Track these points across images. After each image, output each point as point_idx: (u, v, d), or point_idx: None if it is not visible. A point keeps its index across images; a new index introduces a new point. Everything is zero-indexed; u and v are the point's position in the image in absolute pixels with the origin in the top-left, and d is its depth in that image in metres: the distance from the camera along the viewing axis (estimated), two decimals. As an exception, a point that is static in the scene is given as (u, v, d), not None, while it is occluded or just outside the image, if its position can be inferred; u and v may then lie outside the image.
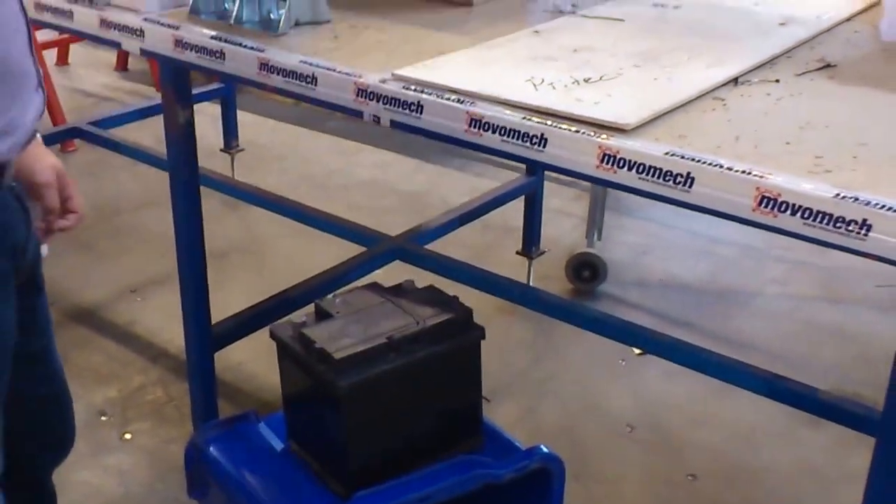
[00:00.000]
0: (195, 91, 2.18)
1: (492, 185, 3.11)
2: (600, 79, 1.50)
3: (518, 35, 1.73)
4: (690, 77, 1.51)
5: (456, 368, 1.24)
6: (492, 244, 3.22)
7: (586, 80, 1.49)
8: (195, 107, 2.00)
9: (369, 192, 3.69)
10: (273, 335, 1.29)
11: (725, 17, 1.86)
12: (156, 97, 3.67)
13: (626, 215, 3.45)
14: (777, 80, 1.53)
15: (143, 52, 1.85)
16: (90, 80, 4.87)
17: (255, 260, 3.19)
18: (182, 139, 1.99)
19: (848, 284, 3.05)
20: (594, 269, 2.98)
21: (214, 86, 3.57)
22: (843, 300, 3.00)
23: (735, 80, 1.52)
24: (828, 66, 1.59)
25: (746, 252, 3.25)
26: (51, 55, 4.85)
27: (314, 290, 2.32)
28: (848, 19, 1.85)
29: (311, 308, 1.41)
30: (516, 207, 3.06)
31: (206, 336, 2.13)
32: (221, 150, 3.70)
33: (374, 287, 1.49)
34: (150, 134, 3.55)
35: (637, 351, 2.66)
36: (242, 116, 3.92)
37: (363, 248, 2.66)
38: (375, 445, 1.24)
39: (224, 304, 2.24)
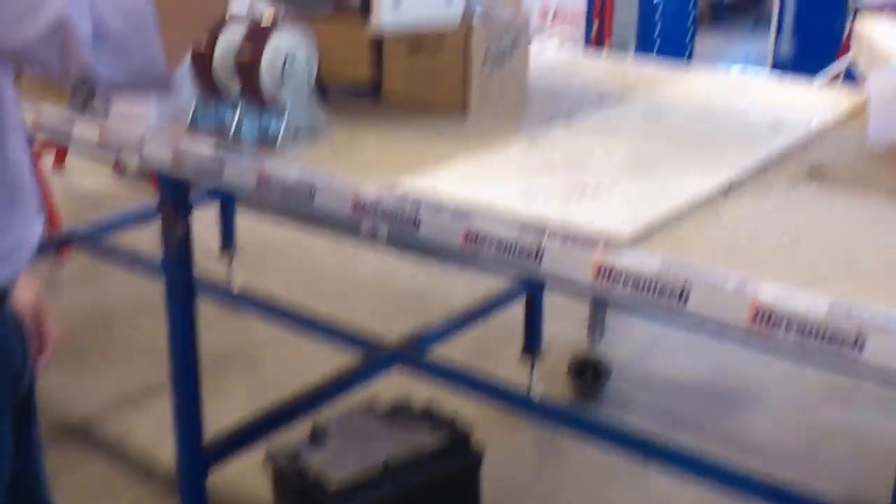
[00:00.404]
0: (194, 194, 2.20)
1: (494, 282, 3.12)
2: (595, 189, 1.52)
3: (514, 144, 1.76)
4: (684, 186, 1.53)
5: (455, 492, 1.21)
6: (493, 345, 3.22)
7: (581, 191, 1.50)
8: (195, 207, 2.01)
9: (369, 292, 3.70)
10: (269, 461, 1.26)
11: (717, 123, 1.89)
12: (153, 200, 3.70)
13: (629, 314, 3.45)
14: (769, 189, 1.54)
15: (141, 166, 1.87)
16: (87, 182, 4.90)
17: (252, 366, 3.18)
18: (178, 251, 2.00)
19: (853, 384, 3.02)
20: (597, 370, 2.96)
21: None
22: (850, 399, 2.97)
23: (728, 188, 1.54)
24: (819, 172, 1.61)
25: (751, 350, 3.23)
26: (48, 157, 4.89)
27: (311, 401, 2.30)
28: (836, 123, 1.88)
29: (307, 425, 1.39)
30: (517, 308, 3.06)
31: (198, 456, 2.10)
32: (219, 251, 3.72)
33: (372, 406, 1.46)
34: (147, 236, 3.56)
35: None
36: (241, 214, 3.95)
37: (362, 353, 2.65)
38: None
39: (219, 413, 2.22)
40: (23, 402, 1.31)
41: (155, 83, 1.03)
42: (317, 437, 1.22)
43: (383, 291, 3.70)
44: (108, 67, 0.98)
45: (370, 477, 1.10)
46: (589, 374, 2.96)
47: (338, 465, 1.16)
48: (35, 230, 1.24)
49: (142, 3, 0.98)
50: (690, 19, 6.00)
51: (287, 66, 1.75)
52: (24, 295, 1.35)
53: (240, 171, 1.70)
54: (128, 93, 1.06)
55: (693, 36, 6.08)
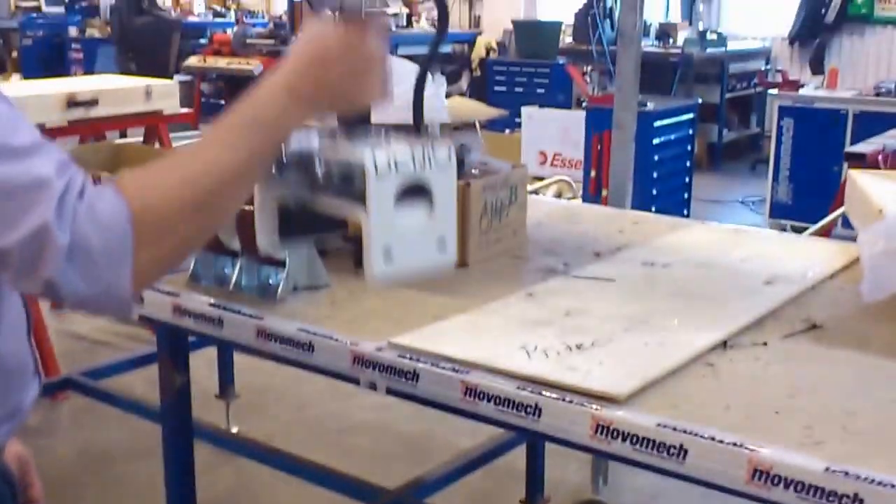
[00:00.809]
0: (192, 339, 2.21)
1: (494, 428, 3.10)
2: (592, 344, 1.54)
3: (512, 297, 1.78)
4: (680, 341, 1.55)
5: None
6: (495, 491, 3.18)
7: (578, 347, 1.52)
8: (194, 351, 2.03)
9: (369, 435, 3.67)
10: None
11: (713, 276, 1.92)
12: (151, 341, 3.71)
13: (630, 458, 3.41)
14: (765, 343, 1.56)
15: (142, 318, 1.89)
16: (85, 323, 4.88)
17: (252, 511, 3.14)
18: (176, 402, 2.01)
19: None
20: (600, 517, 2.92)
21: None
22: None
23: (724, 344, 1.56)
24: (814, 326, 1.63)
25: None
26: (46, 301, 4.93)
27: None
28: (831, 277, 1.91)
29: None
30: (520, 450, 3.03)
31: None
32: (216, 396, 3.70)
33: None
34: (145, 378, 3.56)
35: None
36: (240, 357, 3.95)
37: (361, 501, 2.62)
38: None
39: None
40: None
41: (115, 305, 1.04)
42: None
43: (383, 433, 3.68)
44: (74, 283, 1.00)
45: None
46: (592, 522, 2.92)
47: None
48: (31, 394, 1.26)
49: (122, 225, 1.01)
50: (687, 164, 6.15)
51: (286, 220, 1.78)
52: (12, 447, 1.35)
53: (239, 325, 1.72)
54: (86, 310, 1.06)
55: (691, 180, 6.22)
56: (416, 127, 1.22)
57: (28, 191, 0.98)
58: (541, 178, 5.40)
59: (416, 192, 1.08)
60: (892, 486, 1.11)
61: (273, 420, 3.69)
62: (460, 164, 2.04)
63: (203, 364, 3.61)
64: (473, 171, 2.01)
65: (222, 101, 8.32)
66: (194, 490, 2.05)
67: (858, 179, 2.11)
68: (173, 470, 2.04)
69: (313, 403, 3.94)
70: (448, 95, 2.26)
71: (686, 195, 6.21)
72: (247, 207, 1.79)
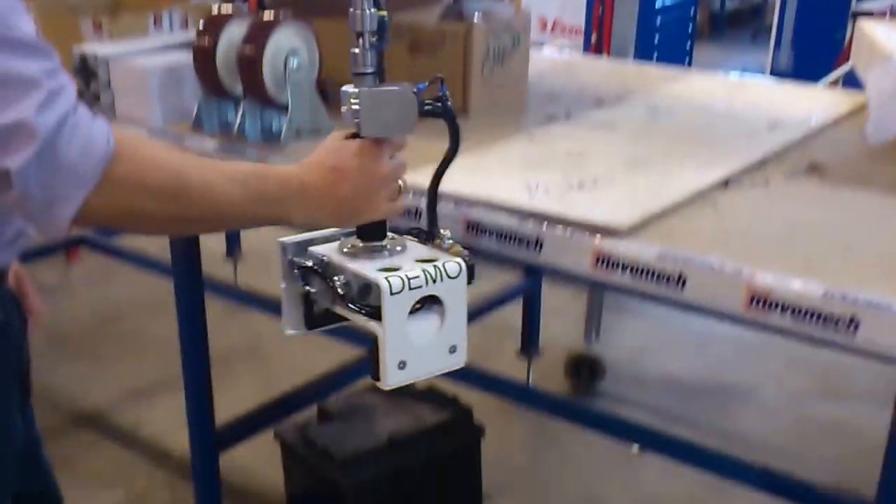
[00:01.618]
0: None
1: (490, 285, 3.15)
2: (594, 182, 1.55)
3: (513, 140, 1.79)
4: (682, 179, 1.56)
5: (456, 467, 1.24)
6: (491, 345, 3.24)
7: (580, 184, 1.53)
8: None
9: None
10: (277, 437, 1.29)
11: (716, 121, 1.92)
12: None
13: (624, 313, 3.48)
14: (766, 182, 1.57)
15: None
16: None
17: (259, 363, 3.21)
18: (186, 250, 2.03)
19: (844, 378, 3.06)
20: (593, 368, 2.99)
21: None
22: (840, 394, 3.01)
23: (726, 183, 1.57)
24: (816, 168, 1.64)
25: (743, 347, 3.27)
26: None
27: (317, 391, 2.33)
28: (834, 122, 1.91)
29: (314, 409, 1.42)
30: (515, 307, 3.09)
31: (210, 438, 2.14)
32: (224, 256, 3.75)
33: (376, 389, 1.49)
34: (156, 238, 3.59)
35: (636, 448, 2.66)
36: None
37: (366, 347, 2.67)
38: None
39: (228, 405, 2.25)
40: (24, 378, 1.33)
41: (50, 222, 1.02)
42: (323, 415, 1.25)
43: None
44: (29, 183, 0.98)
45: (375, 450, 1.12)
46: (585, 372, 2.99)
47: (344, 439, 1.18)
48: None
49: (103, 153, 1.00)
50: (689, 31, 6.05)
51: (289, 63, 1.77)
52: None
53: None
54: (20, 212, 1.04)
55: (692, 47, 6.13)
56: (431, 235, 1.26)
57: (15, 87, 0.96)
58: (542, 45, 5.32)
59: (429, 304, 1.14)
60: (889, 307, 1.13)
61: (276, 279, 3.71)
62: (460, 14, 2.02)
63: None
64: (475, 16, 1.99)
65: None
66: (207, 342, 2.09)
67: (867, 28, 2.09)
68: (186, 322, 2.07)
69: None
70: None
71: (687, 62, 6.13)
72: (248, 50, 1.79)
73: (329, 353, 2.82)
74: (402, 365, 1.13)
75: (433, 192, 1.27)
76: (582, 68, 2.43)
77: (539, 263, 1.41)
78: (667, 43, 5.84)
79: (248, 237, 3.84)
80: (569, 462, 2.66)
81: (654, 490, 2.54)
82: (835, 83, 4.01)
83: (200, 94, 1.88)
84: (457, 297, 1.16)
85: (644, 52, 5.39)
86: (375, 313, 1.12)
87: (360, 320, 1.15)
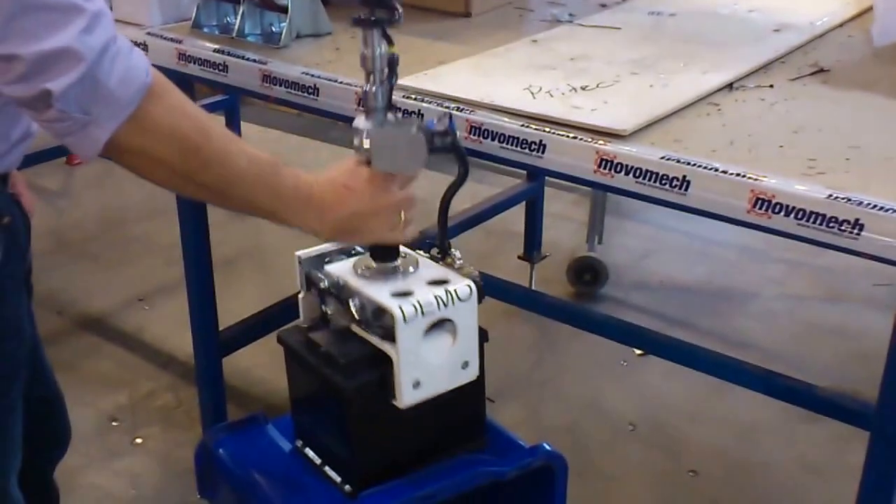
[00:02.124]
0: (198, 104, 2.22)
1: (493, 190, 3.15)
2: (597, 86, 1.54)
3: (516, 44, 1.77)
4: (686, 83, 1.55)
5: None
6: (494, 249, 3.25)
7: (583, 88, 1.52)
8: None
9: (371, 198, 3.72)
10: (280, 340, 1.31)
11: (720, 25, 1.90)
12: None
13: (626, 219, 3.48)
14: (771, 86, 1.56)
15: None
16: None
17: (262, 267, 3.23)
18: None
19: (846, 283, 3.08)
20: (595, 273, 3.01)
21: (218, 97, 3.60)
22: (841, 299, 3.03)
23: (730, 86, 1.56)
24: (821, 70, 1.63)
25: (744, 253, 3.29)
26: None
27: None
28: (841, 25, 1.88)
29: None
30: (517, 213, 3.09)
31: (213, 342, 2.17)
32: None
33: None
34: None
35: (637, 351, 2.69)
36: (246, 128, 3.95)
37: (366, 254, 2.69)
38: (382, 445, 1.26)
39: (231, 310, 2.27)
40: (27, 279, 1.35)
41: (85, 143, 1.04)
42: (326, 319, 1.27)
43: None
44: (70, 104, 1.00)
45: (378, 355, 1.14)
46: (586, 276, 3.01)
47: (346, 344, 1.20)
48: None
49: (141, 83, 1.03)
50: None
51: (290, -37, 1.74)
52: None
53: (244, 70, 1.71)
54: (56, 132, 1.05)
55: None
56: (443, 253, 1.32)
57: (58, 11, 0.98)
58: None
59: (440, 325, 1.19)
60: (893, 210, 1.13)
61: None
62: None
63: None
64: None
65: None
66: (209, 246, 2.10)
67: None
68: (188, 227, 2.08)
69: (317, 171, 3.96)
70: None
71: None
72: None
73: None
74: (416, 384, 1.18)
75: (444, 211, 1.34)
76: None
77: (541, 167, 1.41)
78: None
79: (249, 140, 3.82)
80: (571, 365, 2.70)
81: (655, 391, 2.58)
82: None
83: (200, -5, 1.85)
84: (468, 318, 1.21)
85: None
86: (390, 335, 1.17)
87: (376, 342, 1.20)
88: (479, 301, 1.23)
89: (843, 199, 1.16)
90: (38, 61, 0.97)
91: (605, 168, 1.34)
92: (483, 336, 1.26)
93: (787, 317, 2.95)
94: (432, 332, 1.19)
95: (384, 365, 1.19)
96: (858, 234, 1.15)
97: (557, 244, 3.24)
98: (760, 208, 1.21)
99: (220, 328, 2.18)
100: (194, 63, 1.79)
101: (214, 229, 2.11)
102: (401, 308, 1.15)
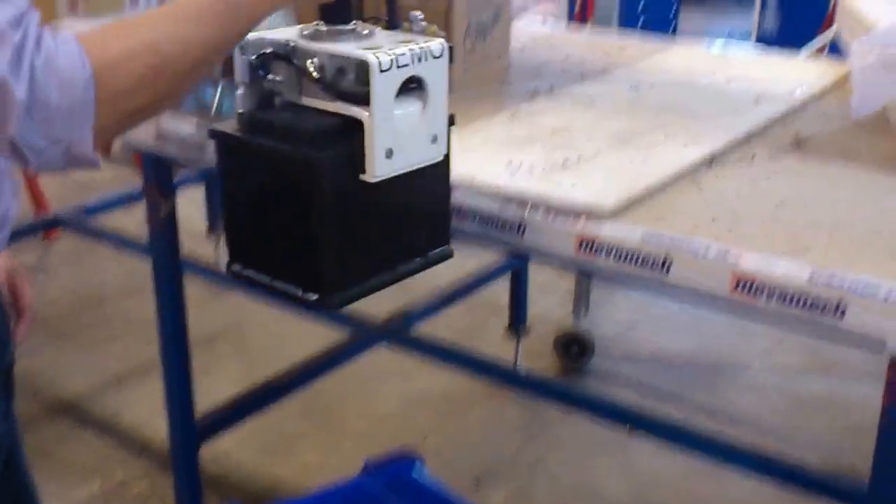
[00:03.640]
0: (179, 176, 2.20)
1: (477, 260, 3.13)
2: (578, 160, 1.51)
3: (496, 118, 1.75)
4: (666, 157, 1.53)
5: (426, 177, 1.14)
6: (479, 323, 3.22)
7: (564, 163, 1.50)
8: (180, 189, 2.01)
9: (356, 271, 3.69)
10: (213, 134, 1.10)
11: (700, 96, 1.89)
12: (139, 182, 3.69)
13: (613, 289, 3.46)
14: (752, 158, 1.54)
15: (125, 146, 1.86)
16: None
17: (241, 345, 3.18)
18: (164, 231, 1.99)
19: (836, 354, 3.05)
20: (582, 346, 2.97)
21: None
22: (832, 370, 2.99)
23: (711, 160, 1.54)
24: (802, 143, 1.61)
25: (733, 324, 3.25)
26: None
27: (300, 377, 2.31)
28: (819, 94, 1.88)
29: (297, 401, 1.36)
30: (503, 284, 3.06)
31: (190, 429, 2.11)
32: (206, 232, 3.71)
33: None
34: (134, 219, 3.55)
35: (628, 429, 2.64)
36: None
37: (350, 331, 2.65)
38: (351, 239, 1.11)
39: (210, 391, 2.22)
40: (6, 374, 1.30)
41: (80, 162, 0.99)
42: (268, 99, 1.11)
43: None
44: (35, 141, 0.94)
45: (339, 127, 1.01)
46: (574, 348, 2.97)
47: (301, 121, 1.05)
48: (14, 208, 1.23)
49: (84, 79, 0.95)
50: (674, -5, 6.01)
51: (267, 42, 1.73)
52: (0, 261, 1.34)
53: (221, 147, 1.69)
54: (53, 168, 1.00)
55: (677, 12, 6.09)
56: (392, 23, 1.15)
57: None
58: (525, 6, 5.27)
59: (410, 89, 1.06)
60: (876, 291, 1.10)
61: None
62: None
63: (190, 204, 3.61)
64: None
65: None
66: (185, 323, 2.06)
67: (851, -3, 2.05)
68: (164, 303, 2.04)
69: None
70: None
71: (672, 27, 6.09)
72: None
73: (314, 337, 2.80)
74: (388, 153, 1.06)
75: None
76: (564, 40, 2.39)
77: (522, 247, 1.38)
78: (652, 8, 5.80)
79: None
80: (560, 445, 2.65)
81: (647, 472, 2.52)
82: (821, 49, 3.98)
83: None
84: (439, 80, 1.09)
85: (629, 17, 5.36)
86: (358, 97, 1.03)
87: (340, 108, 1.06)
88: (450, 62, 1.10)
89: (826, 279, 1.13)
90: None
91: (586, 248, 1.31)
92: (451, 119, 1.13)
93: (778, 389, 2.91)
94: (401, 98, 1.06)
95: (352, 134, 1.05)
96: (842, 316, 1.12)
97: (544, 316, 3.21)
98: (743, 289, 1.19)
99: (198, 413, 2.12)
100: (173, 143, 1.77)
101: (193, 307, 2.07)
102: (376, 56, 1.01)
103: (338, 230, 1.09)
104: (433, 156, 1.12)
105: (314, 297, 1.10)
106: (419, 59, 1.05)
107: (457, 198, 1.41)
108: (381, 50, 1.03)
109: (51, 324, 3.32)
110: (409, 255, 1.19)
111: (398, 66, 1.03)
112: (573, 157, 1.52)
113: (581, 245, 1.31)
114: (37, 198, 3.89)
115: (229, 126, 1.12)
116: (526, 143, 1.60)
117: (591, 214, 1.32)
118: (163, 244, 2.01)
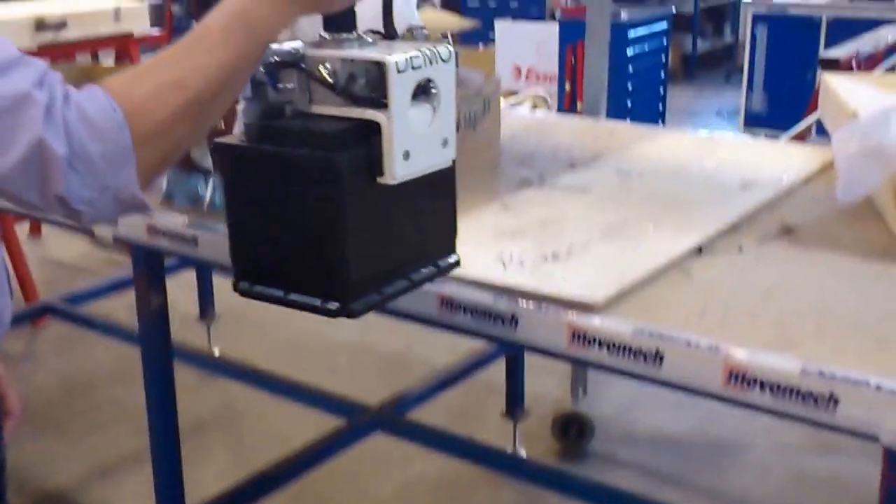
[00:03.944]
0: (171, 260, 2.20)
1: (474, 341, 3.12)
2: (568, 253, 1.53)
3: (487, 209, 1.77)
4: (656, 247, 1.54)
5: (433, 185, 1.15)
6: (475, 406, 3.20)
7: (555, 255, 1.52)
8: (172, 274, 2.01)
9: (349, 354, 3.68)
10: (217, 148, 1.12)
11: (688, 183, 1.91)
12: (129, 267, 3.69)
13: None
14: (740, 248, 1.56)
15: (116, 240, 1.87)
16: (63, 250, 4.83)
17: (233, 432, 3.15)
18: (155, 322, 1.99)
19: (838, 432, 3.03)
20: (581, 427, 2.95)
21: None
22: (834, 448, 2.97)
23: (699, 249, 1.55)
24: (789, 230, 1.63)
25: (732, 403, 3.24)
26: (23, 227, 4.82)
27: (293, 467, 2.29)
28: (806, 180, 1.90)
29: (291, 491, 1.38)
30: (499, 365, 3.06)
31: (181, 524, 2.09)
32: (198, 319, 3.70)
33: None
34: (124, 304, 3.54)
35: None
36: (219, 278, 3.93)
37: (344, 418, 2.64)
38: (369, 245, 1.11)
39: (202, 480, 2.21)
40: None
41: (128, 207, 1.04)
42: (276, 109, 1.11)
43: (364, 353, 3.69)
44: (82, 193, 0.98)
45: (355, 129, 1.02)
46: (572, 431, 2.95)
47: (318, 125, 1.05)
48: (6, 313, 1.24)
49: (118, 124, 0.99)
50: (661, 76, 6.10)
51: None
52: None
53: (214, 243, 1.70)
54: (106, 217, 1.06)
55: (665, 92, 6.18)
56: (388, 34, 1.17)
57: (11, 110, 0.95)
58: (515, 93, 5.35)
59: (421, 93, 1.09)
60: (867, 384, 1.11)
61: (255, 341, 3.69)
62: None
63: (182, 287, 3.61)
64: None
65: (193, 21, 8.15)
66: (175, 412, 2.05)
67: (832, 83, 2.09)
68: (154, 392, 2.03)
69: (294, 323, 3.92)
70: (419, 7, 2.21)
71: (661, 106, 6.18)
72: (220, 125, 1.77)
73: (307, 424, 2.79)
74: (406, 155, 1.07)
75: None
76: (554, 127, 2.43)
77: (515, 340, 1.39)
78: (641, 88, 5.90)
79: (222, 298, 3.79)
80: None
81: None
82: (807, 130, 4.04)
83: (170, 168, 1.85)
84: (448, 84, 1.11)
85: (618, 99, 5.44)
86: (374, 101, 1.05)
87: (355, 112, 1.07)
88: (457, 66, 1.13)
89: (816, 372, 1.14)
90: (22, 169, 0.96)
91: (578, 341, 1.32)
92: (457, 125, 1.16)
93: (781, 468, 2.89)
94: (414, 100, 1.07)
95: (369, 137, 1.06)
96: (835, 409, 1.12)
97: (542, 396, 3.20)
98: (736, 382, 1.20)
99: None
100: (164, 237, 1.78)
101: (184, 393, 2.06)
102: (393, 56, 1.03)
103: (358, 234, 1.08)
104: (444, 159, 1.15)
105: (335, 305, 1.11)
106: (430, 62, 1.07)
107: (447, 292, 1.43)
108: (395, 53, 1.04)
109: (38, 412, 3.29)
110: (422, 263, 1.20)
111: (413, 68, 1.05)
112: (563, 250, 1.53)
113: (573, 338, 1.32)
114: (25, 285, 3.88)
115: (234, 138, 1.13)
116: (517, 234, 1.62)
117: (583, 308, 1.33)
118: (153, 336, 2.01)
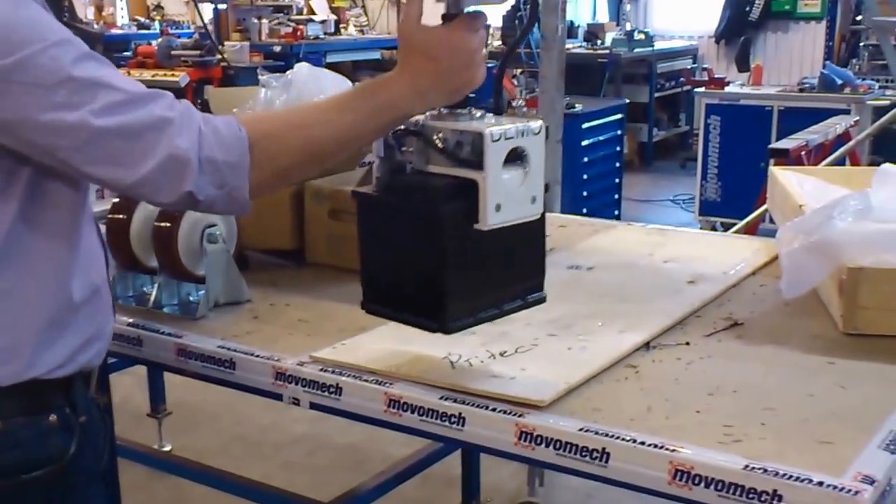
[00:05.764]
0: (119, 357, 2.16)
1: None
2: (516, 351, 1.53)
3: (436, 306, 1.77)
4: (604, 344, 1.55)
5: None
6: (432, 499, 3.16)
7: (502, 354, 1.52)
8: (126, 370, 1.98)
9: (304, 447, 3.63)
10: (355, 194, 1.40)
11: (637, 278, 1.93)
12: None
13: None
14: (687, 343, 1.57)
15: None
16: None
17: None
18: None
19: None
20: (537, 520, 2.92)
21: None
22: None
23: (647, 345, 1.56)
24: (735, 324, 1.65)
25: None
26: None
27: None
28: (753, 273, 1.93)
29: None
30: (456, 456, 3.02)
31: None
32: (148, 414, 3.62)
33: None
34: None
35: None
36: (171, 373, 3.88)
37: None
38: (466, 278, 1.34)
39: None
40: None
41: (238, 207, 1.28)
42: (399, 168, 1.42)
43: (319, 446, 3.64)
44: (207, 190, 1.23)
45: (459, 184, 1.32)
46: (530, 525, 2.92)
47: (427, 181, 1.37)
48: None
49: (240, 140, 1.24)
50: (617, 165, 6.20)
51: (206, 237, 1.75)
52: None
53: (159, 344, 1.68)
54: (215, 210, 1.34)
55: (621, 180, 6.27)
56: (498, 110, 1.39)
57: (153, 128, 1.19)
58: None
59: (514, 158, 1.30)
60: (810, 480, 1.12)
61: (207, 436, 3.63)
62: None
63: (134, 382, 3.56)
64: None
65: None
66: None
67: (780, 176, 2.13)
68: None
69: (248, 417, 3.88)
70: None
71: (616, 196, 6.26)
72: (164, 225, 1.76)
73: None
74: (497, 208, 1.29)
75: (501, 71, 1.45)
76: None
77: (462, 440, 1.38)
78: (596, 178, 5.98)
79: (175, 391, 3.72)
80: None
81: None
82: (759, 218, 4.11)
83: (115, 266, 1.84)
84: (538, 152, 1.32)
85: (574, 188, 5.51)
86: (474, 163, 1.28)
87: (460, 172, 1.29)
88: (546, 138, 1.34)
89: (759, 469, 1.15)
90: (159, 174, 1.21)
91: (525, 440, 1.32)
92: (546, 186, 1.36)
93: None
94: (508, 165, 1.29)
95: (469, 192, 1.28)
96: (780, 505, 1.13)
97: (498, 487, 3.16)
98: (681, 480, 1.20)
99: None
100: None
101: (135, 492, 2.03)
102: (489, 128, 1.26)
103: (456, 269, 1.33)
104: (533, 213, 1.35)
105: (434, 325, 1.36)
106: (522, 134, 1.30)
107: (395, 392, 1.42)
108: (492, 126, 1.29)
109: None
110: (512, 297, 1.41)
111: (506, 138, 1.29)
112: (511, 348, 1.54)
113: (520, 437, 1.32)
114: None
115: (368, 189, 1.41)
116: (465, 333, 1.61)
117: (529, 407, 1.33)
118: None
